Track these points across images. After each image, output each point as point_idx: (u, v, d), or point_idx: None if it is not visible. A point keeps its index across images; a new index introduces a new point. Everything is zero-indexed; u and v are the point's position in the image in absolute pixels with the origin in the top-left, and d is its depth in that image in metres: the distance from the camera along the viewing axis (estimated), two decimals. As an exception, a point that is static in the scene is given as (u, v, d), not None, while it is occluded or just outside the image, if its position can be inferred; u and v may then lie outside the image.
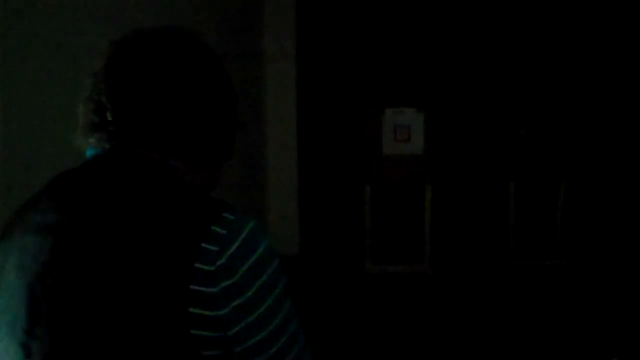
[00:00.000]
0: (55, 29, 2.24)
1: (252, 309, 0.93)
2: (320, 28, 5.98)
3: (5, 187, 2.01)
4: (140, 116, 0.96)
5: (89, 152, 1.01)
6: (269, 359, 0.95)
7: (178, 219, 0.92)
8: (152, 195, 0.94)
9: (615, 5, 5.57)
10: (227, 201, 0.98)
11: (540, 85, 5.77)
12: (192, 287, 0.89)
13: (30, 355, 0.94)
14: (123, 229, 0.91)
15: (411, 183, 5.48)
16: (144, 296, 0.89)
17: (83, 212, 0.94)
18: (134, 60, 0.97)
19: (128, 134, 0.96)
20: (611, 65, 5.63)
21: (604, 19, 5.61)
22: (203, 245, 0.90)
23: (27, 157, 2.13)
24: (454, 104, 5.98)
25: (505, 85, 5.87)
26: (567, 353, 3.81)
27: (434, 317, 4.35)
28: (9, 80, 2.08)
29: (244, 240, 0.93)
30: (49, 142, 2.10)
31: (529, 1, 5.72)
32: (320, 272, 5.51)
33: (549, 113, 5.32)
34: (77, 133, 1.01)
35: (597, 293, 4.77)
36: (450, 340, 3.99)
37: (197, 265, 0.89)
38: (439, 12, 5.87)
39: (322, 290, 4.97)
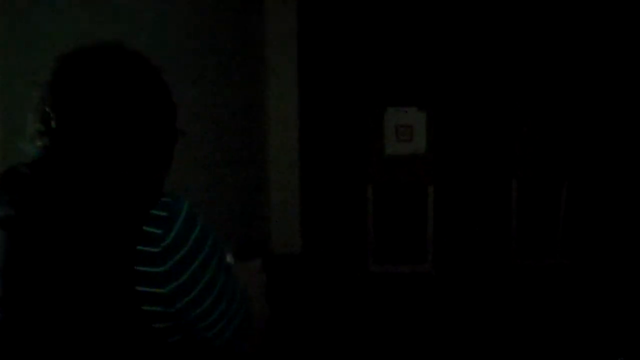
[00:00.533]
0: (55, 29, 2.23)
1: (195, 283, 1.05)
2: (322, 27, 5.97)
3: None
4: (80, 125, 1.06)
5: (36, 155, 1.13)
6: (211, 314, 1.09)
7: (119, 208, 1.02)
8: (93, 190, 1.03)
9: (617, 5, 5.55)
10: (162, 189, 1.09)
11: (542, 84, 5.75)
12: (137, 268, 1.00)
13: None
14: (70, 221, 1.01)
15: (413, 183, 5.46)
16: (94, 280, 0.99)
17: (34, 207, 1.04)
18: (76, 75, 1.08)
19: (69, 140, 1.07)
20: (614, 64, 5.61)
21: (608, 19, 5.59)
22: (145, 229, 1.01)
23: (27, 157, 2.11)
24: (456, 103, 5.96)
25: (507, 84, 5.85)
26: (571, 353, 3.79)
27: (437, 317, 4.33)
28: (9, 81, 2.07)
29: (185, 219, 1.05)
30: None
31: (531, 0, 5.70)
32: (322, 272, 5.50)
33: (551, 111, 5.30)
34: (25, 140, 1.12)
35: (601, 292, 4.75)
36: (452, 340, 3.98)
37: (140, 248, 1.00)
38: (441, 11, 5.85)
39: (325, 289, 4.96)
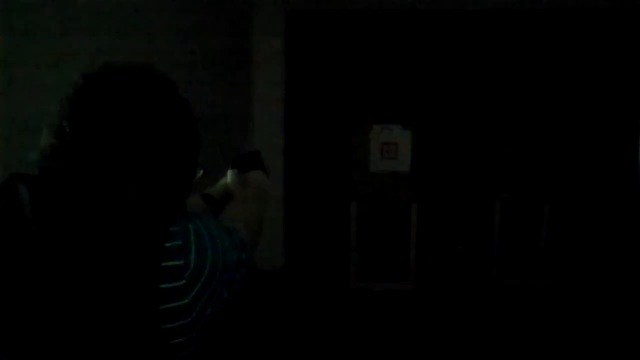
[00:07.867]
0: (55, 30, 2.23)
1: (215, 288, 1.03)
2: (309, 45, 6.00)
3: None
4: (96, 146, 1.00)
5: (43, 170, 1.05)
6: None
7: (135, 242, 0.95)
8: (106, 220, 0.96)
9: (597, 28, 5.64)
10: (169, 212, 1.01)
11: (526, 106, 5.82)
12: (162, 306, 0.95)
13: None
14: (81, 253, 0.94)
15: (397, 200, 5.49)
16: (116, 320, 0.94)
17: (39, 228, 0.96)
18: (99, 94, 1.02)
19: (81, 158, 1.00)
20: (596, 87, 5.69)
21: (588, 41, 5.68)
22: (165, 264, 0.95)
23: (27, 157, 2.10)
24: (441, 122, 6.00)
25: (491, 104, 5.91)
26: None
27: (418, 335, 4.33)
28: (9, 82, 2.07)
29: (196, 241, 1.00)
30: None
31: (514, 22, 5.78)
32: (304, 288, 5.48)
33: (534, 133, 5.36)
34: (36, 152, 1.05)
35: (581, 312, 4.78)
36: (433, 358, 3.98)
37: (164, 285, 0.95)
38: (426, 31, 5.91)
39: (306, 305, 4.94)
